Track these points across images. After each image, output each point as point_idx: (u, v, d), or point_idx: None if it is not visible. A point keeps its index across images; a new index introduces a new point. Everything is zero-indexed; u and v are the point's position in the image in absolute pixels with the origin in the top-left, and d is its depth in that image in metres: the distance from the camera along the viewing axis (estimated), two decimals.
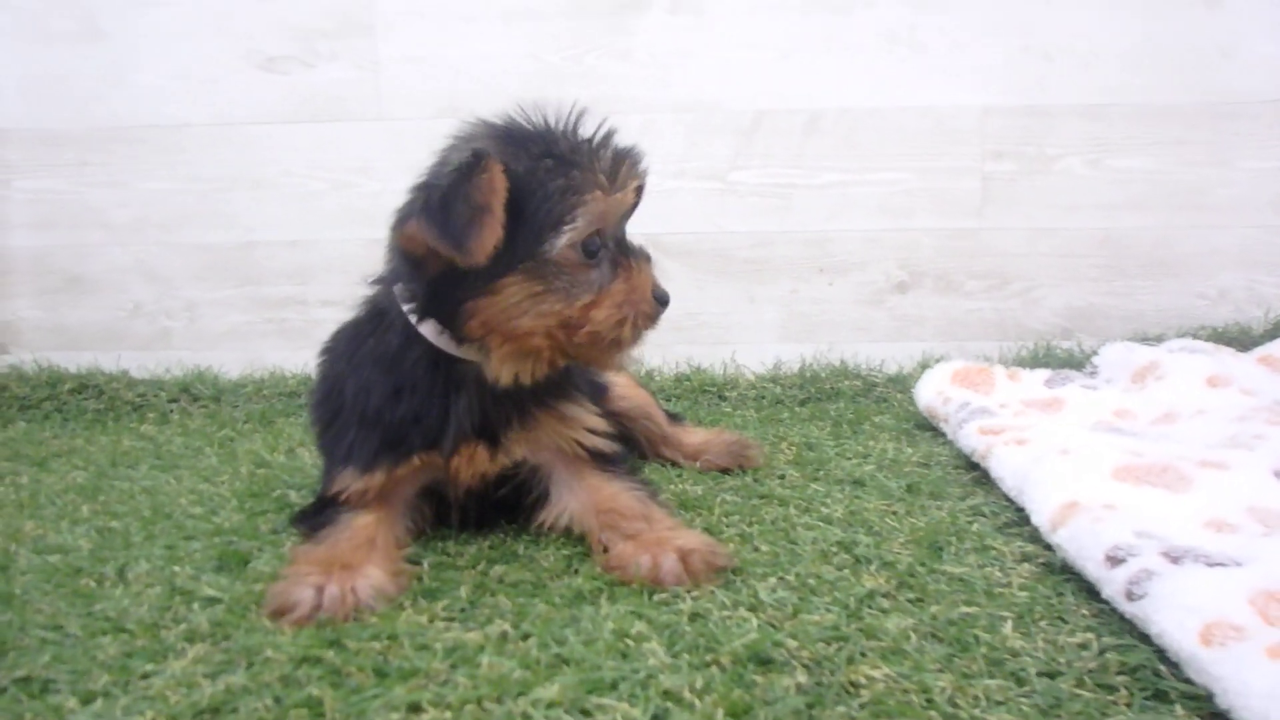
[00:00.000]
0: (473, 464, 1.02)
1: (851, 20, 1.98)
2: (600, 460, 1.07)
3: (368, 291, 1.09)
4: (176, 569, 0.99)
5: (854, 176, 2.03)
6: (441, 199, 0.89)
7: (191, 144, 2.06)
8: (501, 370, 0.98)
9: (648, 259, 1.02)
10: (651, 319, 1.00)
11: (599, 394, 1.28)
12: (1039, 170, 2.00)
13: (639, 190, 1.01)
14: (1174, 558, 0.81)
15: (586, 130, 0.98)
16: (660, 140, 2.02)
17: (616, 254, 0.99)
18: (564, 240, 0.93)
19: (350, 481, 1.00)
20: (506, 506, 1.09)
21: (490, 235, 0.88)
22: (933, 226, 2.03)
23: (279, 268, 2.10)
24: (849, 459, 1.42)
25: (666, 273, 1.94)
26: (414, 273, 0.97)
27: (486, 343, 0.97)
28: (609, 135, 0.99)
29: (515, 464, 1.05)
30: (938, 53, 1.98)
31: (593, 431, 1.08)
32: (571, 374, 1.10)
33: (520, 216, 0.91)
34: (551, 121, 0.97)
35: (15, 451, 1.62)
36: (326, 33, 2.03)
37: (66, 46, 2.05)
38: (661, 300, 1.01)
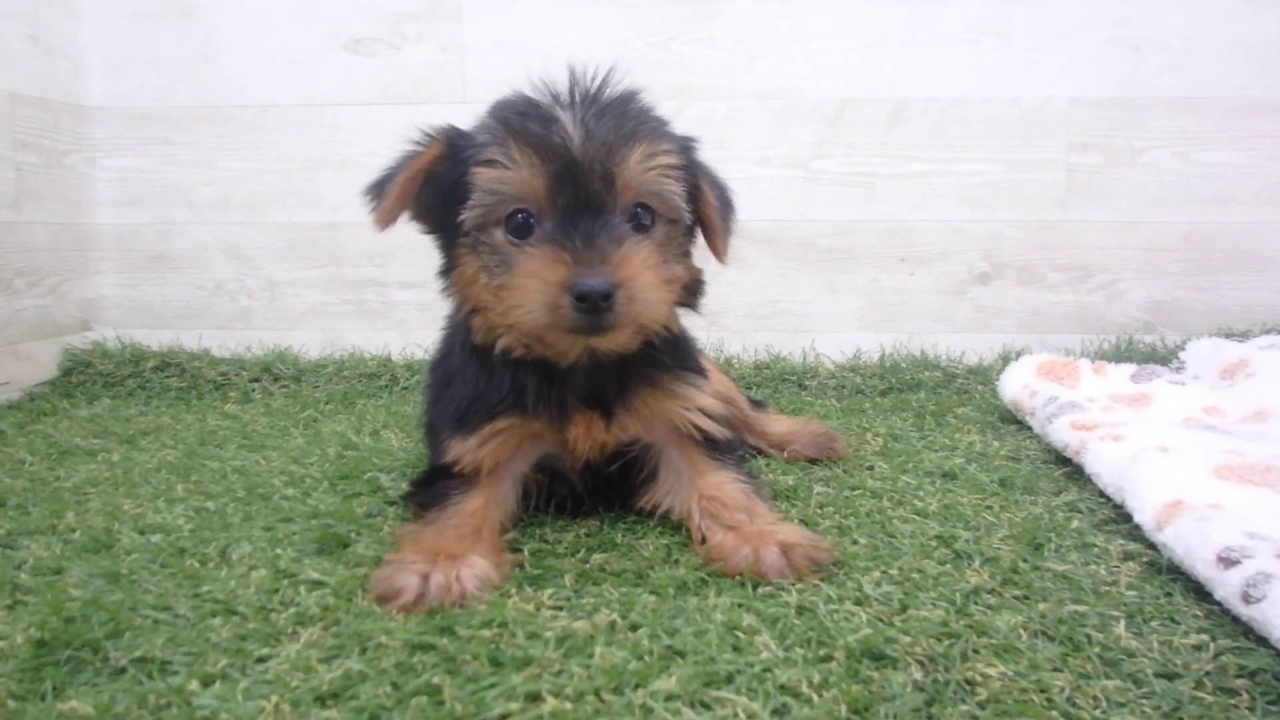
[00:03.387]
0: (590, 435, 1.02)
1: (939, 11, 1.98)
2: (711, 446, 1.06)
3: None
4: (279, 552, 0.99)
5: (938, 166, 2.02)
6: (385, 170, 0.99)
7: (278, 124, 2.08)
8: (483, 338, 1.00)
9: (594, 245, 0.88)
10: (566, 315, 0.87)
11: None
12: (1125, 163, 1.99)
13: (558, 167, 0.90)
14: None
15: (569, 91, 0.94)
16: (744, 128, 2.03)
17: (558, 234, 0.90)
18: (470, 218, 0.93)
19: (456, 450, 1.00)
20: (616, 485, 1.09)
21: (391, 202, 0.95)
22: (1016, 218, 2.03)
23: (361, 249, 2.11)
24: (936, 451, 1.42)
25: (747, 259, 1.99)
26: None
27: (470, 312, 1.00)
28: (547, 106, 0.93)
29: (630, 440, 1.05)
30: (1026, 44, 1.98)
31: (707, 414, 1.06)
32: (680, 349, 1.08)
33: (453, 194, 0.95)
34: (552, 89, 0.94)
35: (104, 428, 1.63)
36: (415, 15, 2.04)
37: (155, 26, 2.07)
38: (579, 295, 0.86)
